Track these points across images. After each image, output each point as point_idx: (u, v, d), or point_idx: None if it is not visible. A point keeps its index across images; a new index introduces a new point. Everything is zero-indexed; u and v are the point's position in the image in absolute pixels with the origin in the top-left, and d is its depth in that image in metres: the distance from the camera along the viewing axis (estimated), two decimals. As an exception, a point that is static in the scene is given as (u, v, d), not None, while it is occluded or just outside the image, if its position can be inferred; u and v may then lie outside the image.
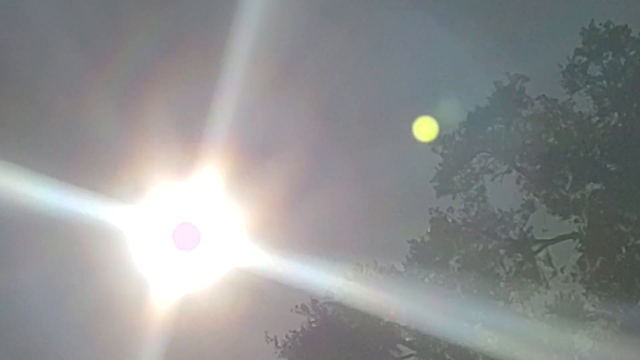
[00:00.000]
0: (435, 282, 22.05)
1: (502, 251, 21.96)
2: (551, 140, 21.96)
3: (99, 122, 23.07)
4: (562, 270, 21.46)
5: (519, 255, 21.86)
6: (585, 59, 22.26)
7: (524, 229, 21.97)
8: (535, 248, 21.90)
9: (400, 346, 22.44)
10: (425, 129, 22.96)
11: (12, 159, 21.81)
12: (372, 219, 23.41)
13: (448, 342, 21.25)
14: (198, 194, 23.01)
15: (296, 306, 22.35)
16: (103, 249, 22.73)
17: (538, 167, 21.85)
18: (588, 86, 22.26)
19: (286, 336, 22.28)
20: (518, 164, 22.18)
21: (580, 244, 21.20)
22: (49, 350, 23.19)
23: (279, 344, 22.14)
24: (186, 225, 23.01)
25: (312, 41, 23.36)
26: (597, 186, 21.51)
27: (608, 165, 21.51)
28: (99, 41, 23.59)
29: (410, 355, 22.34)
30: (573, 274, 21.04)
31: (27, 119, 23.45)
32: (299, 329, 22.08)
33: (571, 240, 21.60)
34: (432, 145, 22.55)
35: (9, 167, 21.76)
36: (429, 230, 22.34)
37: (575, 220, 21.41)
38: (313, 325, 22.35)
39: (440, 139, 22.52)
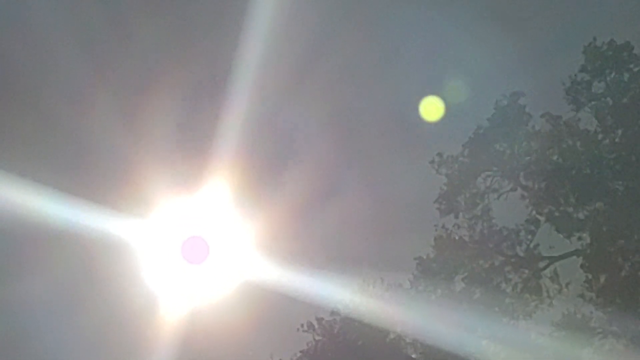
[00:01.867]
0: (442, 298, 22.17)
1: (508, 267, 22.10)
2: (555, 157, 22.15)
3: (107, 135, 23.19)
4: (567, 286, 21.67)
5: (525, 271, 22.02)
6: (588, 77, 22.45)
7: (530, 245, 22.12)
8: (541, 265, 22.05)
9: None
10: (431, 109, 23.20)
11: (21, 173, 21.95)
12: (381, 232, 23.56)
13: (455, 357, 21.34)
14: (207, 207, 23.21)
15: (302, 325, 22.64)
16: (112, 262, 22.91)
17: (542, 184, 22.01)
18: (592, 103, 22.44)
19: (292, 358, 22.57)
20: (523, 182, 22.34)
21: (583, 261, 21.37)
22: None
23: None
24: (195, 238, 23.21)
25: (322, 49, 23.45)
26: (600, 204, 21.61)
27: (612, 183, 21.67)
28: (106, 52, 23.72)
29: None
30: (581, 295, 21.17)
31: (35, 131, 23.58)
32: (305, 346, 22.32)
33: (576, 257, 21.73)
34: (436, 167, 22.71)
35: (17, 181, 21.89)
36: (433, 245, 22.51)
37: (579, 238, 21.60)
38: (319, 343, 22.58)
39: (444, 160, 22.71)
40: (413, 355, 22.15)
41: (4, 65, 22.99)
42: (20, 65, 23.18)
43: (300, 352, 22.27)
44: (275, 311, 22.56)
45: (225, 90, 22.52)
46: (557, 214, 21.59)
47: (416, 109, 23.37)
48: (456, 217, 22.54)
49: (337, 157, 24.07)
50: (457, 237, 22.34)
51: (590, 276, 21.07)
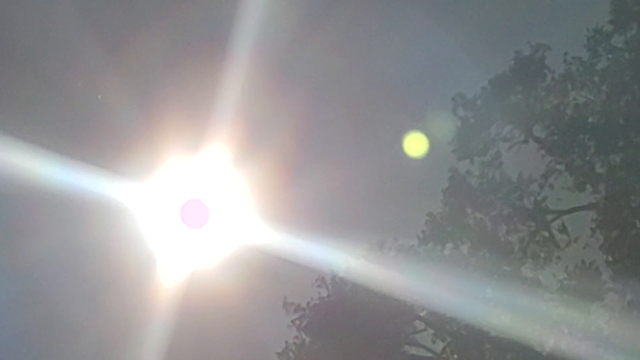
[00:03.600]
0: (449, 258, 21.74)
1: (515, 219, 21.69)
2: (572, 108, 21.68)
3: (107, 100, 22.98)
4: (576, 240, 21.22)
5: (533, 224, 21.61)
6: (610, 28, 21.81)
7: (539, 198, 21.68)
8: (549, 218, 21.65)
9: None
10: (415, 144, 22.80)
11: (21, 136, 21.82)
12: (384, 196, 22.84)
13: (462, 317, 20.97)
14: (207, 170, 22.76)
15: (316, 280, 22.06)
16: (110, 225, 22.61)
17: (557, 136, 21.49)
18: (609, 56, 21.86)
19: (302, 306, 22.01)
20: (536, 135, 21.87)
21: (596, 216, 20.84)
22: (59, 324, 23.24)
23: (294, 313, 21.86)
24: (194, 202, 22.77)
25: (322, 16, 22.94)
26: (617, 157, 21.11)
27: (628, 137, 20.95)
28: (109, 18, 23.48)
29: (425, 329, 22.02)
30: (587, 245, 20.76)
31: (36, 96, 23.37)
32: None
33: (586, 212, 21.35)
34: (453, 107, 22.23)
35: (18, 144, 21.80)
36: (445, 190, 22.09)
37: (594, 191, 21.09)
38: (329, 299, 21.98)
39: (462, 101, 22.18)
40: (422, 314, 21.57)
41: (5, 27, 23.04)
42: (20, 27, 23.17)
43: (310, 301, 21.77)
44: (274, 276, 22.01)
45: (225, 53, 22.16)
46: (576, 162, 21.13)
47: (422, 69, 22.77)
48: (471, 162, 22.08)
49: (342, 119, 23.45)
50: (467, 184, 21.88)
51: (600, 231, 20.58)
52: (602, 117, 21.25)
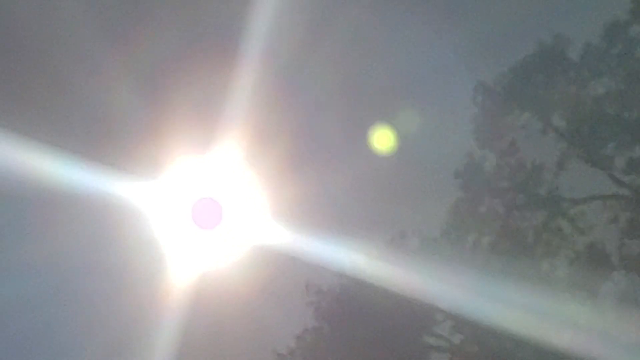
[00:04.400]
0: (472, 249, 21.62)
1: (530, 206, 21.58)
2: (592, 99, 21.49)
3: (117, 96, 22.66)
4: (590, 229, 21.14)
5: (546, 212, 21.46)
6: (629, 18, 21.50)
7: (553, 186, 21.56)
8: (564, 206, 21.53)
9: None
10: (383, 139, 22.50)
11: (32, 136, 21.63)
12: (396, 197, 22.44)
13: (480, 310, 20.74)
14: (218, 171, 22.46)
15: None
16: (122, 225, 22.37)
17: (576, 127, 21.36)
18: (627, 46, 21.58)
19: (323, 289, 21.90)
20: (554, 124, 21.71)
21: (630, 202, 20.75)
22: (70, 323, 23.17)
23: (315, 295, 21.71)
24: (206, 201, 22.48)
25: (333, 12, 22.50)
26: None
27: None
28: (120, 16, 23.15)
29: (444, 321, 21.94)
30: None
31: (46, 94, 23.15)
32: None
33: (600, 201, 21.31)
34: (473, 95, 22.05)
35: (28, 143, 21.64)
36: (460, 174, 21.93)
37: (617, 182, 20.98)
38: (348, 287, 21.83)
39: (482, 89, 22.02)
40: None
41: (14, 24, 22.81)
42: (30, 23, 22.92)
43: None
44: (287, 276, 21.75)
45: (236, 52, 21.82)
46: (590, 156, 20.97)
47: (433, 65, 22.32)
48: (491, 150, 21.93)
49: (352, 117, 23.07)
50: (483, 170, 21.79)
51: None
52: (622, 108, 21.01)
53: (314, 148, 22.74)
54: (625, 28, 21.23)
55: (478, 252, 21.47)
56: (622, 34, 21.27)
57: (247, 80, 21.84)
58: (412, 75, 23.00)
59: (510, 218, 21.62)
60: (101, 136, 22.98)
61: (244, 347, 22.55)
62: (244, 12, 21.32)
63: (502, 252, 21.18)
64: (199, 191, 22.47)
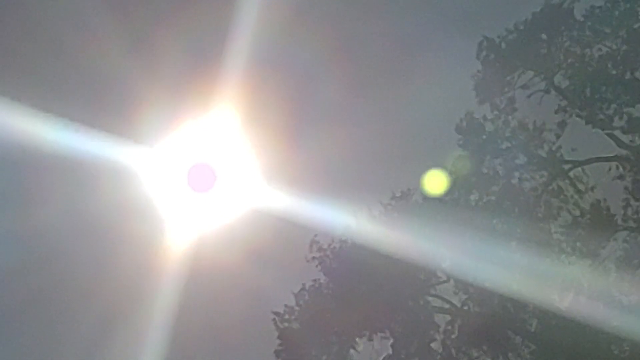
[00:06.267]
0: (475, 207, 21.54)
1: (530, 167, 21.54)
2: (596, 60, 21.46)
3: (112, 61, 22.77)
4: (592, 189, 21.18)
5: (546, 173, 21.47)
6: None
7: (554, 147, 21.52)
8: (565, 167, 21.52)
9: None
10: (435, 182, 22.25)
11: (27, 101, 21.68)
12: (391, 159, 22.75)
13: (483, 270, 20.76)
14: (213, 135, 22.64)
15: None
16: (117, 190, 22.51)
17: (578, 87, 21.26)
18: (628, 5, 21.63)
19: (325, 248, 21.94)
20: (556, 84, 21.63)
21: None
22: (68, 289, 23.24)
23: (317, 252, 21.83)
24: (201, 166, 22.71)
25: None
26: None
27: None
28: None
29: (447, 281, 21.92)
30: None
31: (41, 59, 23.21)
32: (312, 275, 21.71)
33: (603, 163, 21.25)
34: (477, 51, 21.91)
35: (24, 109, 21.66)
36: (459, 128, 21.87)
37: (620, 143, 21.01)
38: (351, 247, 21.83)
39: (487, 45, 21.92)
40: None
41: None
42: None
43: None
44: (283, 239, 22.01)
45: (232, 15, 21.96)
46: (592, 117, 20.93)
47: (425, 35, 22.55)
48: (491, 107, 21.85)
49: (349, 80, 23.25)
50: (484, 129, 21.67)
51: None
52: (625, 69, 21.00)
53: (311, 109, 22.93)
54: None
55: (479, 212, 21.53)
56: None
57: (243, 43, 22.00)
58: (415, 30, 23.14)
59: (511, 178, 21.67)
60: (96, 101, 23.06)
61: (240, 309, 22.82)
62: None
63: (503, 212, 21.35)
64: (194, 155, 22.72)
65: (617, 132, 21.20)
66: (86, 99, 22.89)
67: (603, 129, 21.12)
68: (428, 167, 21.56)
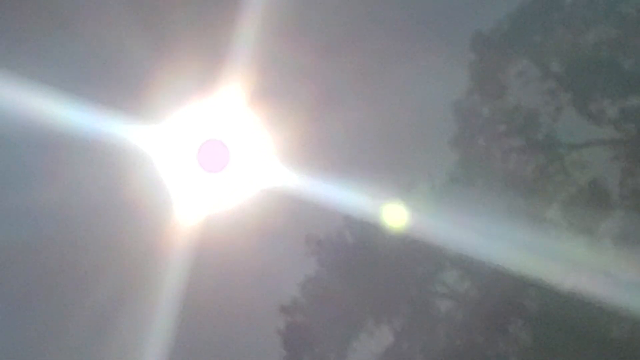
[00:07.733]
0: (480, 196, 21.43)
1: (527, 150, 21.60)
2: (591, 47, 21.44)
3: (121, 38, 22.21)
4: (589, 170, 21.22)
5: (543, 156, 21.51)
6: None
7: (550, 131, 21.58)
8: (561, 151, 21.56)
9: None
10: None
11: (34, 77, 21.19)
12: (408, 138, 22.26)
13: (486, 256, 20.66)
14: (224, 112, 22.09)
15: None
16: (126, 169, 22.07)
17: (572, 75, 21.34)
18: None
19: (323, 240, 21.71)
20: (553, 70, 21.62)
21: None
22: (74, 268, 22.96)
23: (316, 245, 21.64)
24: (212, 144, 22.15)
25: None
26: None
27: None
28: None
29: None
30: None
31: (48, 35, 22.69)
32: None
33: (600, 147, 21.36)
34: (471, 42, 21.88)
35: (30, 85, 21.19)
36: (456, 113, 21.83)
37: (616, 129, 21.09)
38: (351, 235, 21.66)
39: (480, 38, 21.86)
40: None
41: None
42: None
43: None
44: (295, 219, 21.56)
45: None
46: (583, 106, 21.00)
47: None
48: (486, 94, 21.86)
49: (366, 58, 22.71)
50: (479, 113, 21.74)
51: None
52: (618, 56, 21.00)
53: (324, 89, 22.44)
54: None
55: (479, 195, 21.40)
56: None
57: (254, 19, 21.44)
58: (418, 15, 22.73)
59: (508, 162, 21.65)
60: (106, 78, 22.55)
61: (250, 290, 22.50)
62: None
63: (501, 194, 21.20)
64: (205, 133, 22.18)
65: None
66: (95, 76, 22.42)
67: (596, 120, 21.13)
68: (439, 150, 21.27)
